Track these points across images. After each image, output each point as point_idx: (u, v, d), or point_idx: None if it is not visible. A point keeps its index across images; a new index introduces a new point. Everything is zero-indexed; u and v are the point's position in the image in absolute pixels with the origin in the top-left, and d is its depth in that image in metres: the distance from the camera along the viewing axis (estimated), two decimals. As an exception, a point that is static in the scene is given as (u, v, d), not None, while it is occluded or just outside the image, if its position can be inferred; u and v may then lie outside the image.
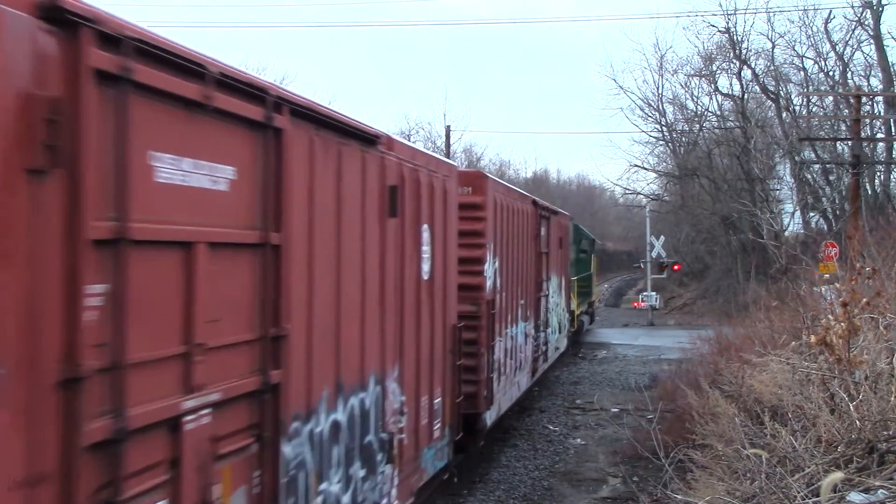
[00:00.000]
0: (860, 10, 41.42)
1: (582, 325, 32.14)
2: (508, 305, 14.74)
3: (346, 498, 7.02)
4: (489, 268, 12.96)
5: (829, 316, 9.91)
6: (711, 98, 50.20)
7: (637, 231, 69.54)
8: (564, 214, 23.99)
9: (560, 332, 22.61)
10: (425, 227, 9.21)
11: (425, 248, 9.17)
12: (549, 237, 19.30)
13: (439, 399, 9.97)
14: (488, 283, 12.96)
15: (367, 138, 7.36)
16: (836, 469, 7.06)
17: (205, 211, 4.85)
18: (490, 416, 13.30)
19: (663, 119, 52.65)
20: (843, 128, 39.15)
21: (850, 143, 31.58)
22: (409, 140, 58.09)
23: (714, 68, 47.75)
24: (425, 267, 9.19)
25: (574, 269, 28.20)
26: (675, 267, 48.84)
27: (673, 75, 53.73)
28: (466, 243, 12.11)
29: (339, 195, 6.72)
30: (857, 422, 7.86)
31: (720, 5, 66.90)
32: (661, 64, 51.75)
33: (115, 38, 4.00)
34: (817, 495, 6.64)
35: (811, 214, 45.46)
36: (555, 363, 22.76)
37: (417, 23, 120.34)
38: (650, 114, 52.52)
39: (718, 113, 49.64)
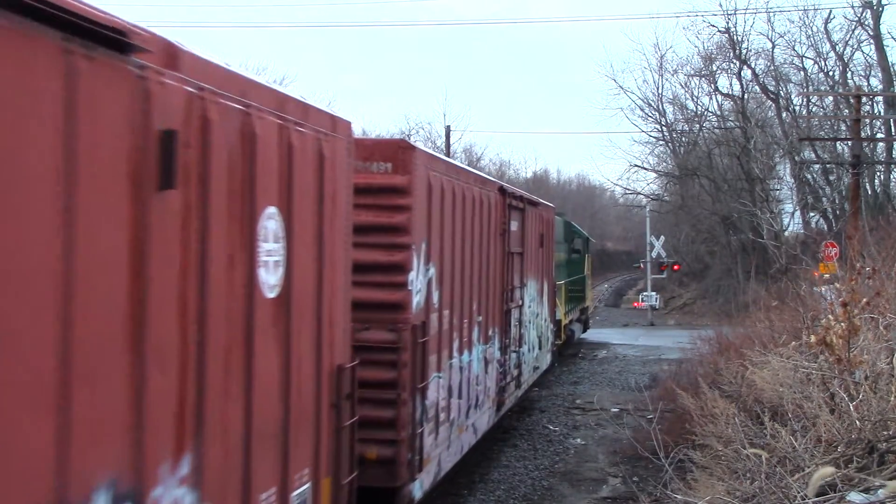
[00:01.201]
0: (860, 10, 41.57)
1: (572, 336, 28.57)
2: (456, 326, 11.02)
3: None
4: (418, 278, 9.38)
5: (829, 316, 9.93)
6: (711, 98, 50.39)
7: (637, 231, 69.69)
8: (547, 206, 19.63)
9: (541, 348, 19.04)
10: (272, 211, 5.73)
11: (271, 247, 5.77)
12: (525, 234, 15.70)
13: (305, 487, 6.32)
14: (416, 300, 9.27)
15: (93, 32, 3.69)
16: (836, 469, 7.08)
17: None
18: (421, 485, 9.70)
19: (663, 119, 52.81)
20: (843, 128, 39.20)
21: (850, 143, 31.60)
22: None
23: (714, 68, 47.89)
24: (271, 278, 5.75)
25: (564, 272, 25.85)
26: (675, 267, 48.88)
27: (673, 75, 53.99)
28: (379, 243, 8.92)
29: None
30: (857, 422, 7.88)
31: (720, 5, 67.28)
32: (661, 64, 51.92)
33: None
34: (818, 495, 6.65)
35: (811, 214, 45.53)
36: (548, 368, 21.64)
37: (417, 23, 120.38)
38: (650, 114, 52.70)
39: (718, 113, 49.77)
